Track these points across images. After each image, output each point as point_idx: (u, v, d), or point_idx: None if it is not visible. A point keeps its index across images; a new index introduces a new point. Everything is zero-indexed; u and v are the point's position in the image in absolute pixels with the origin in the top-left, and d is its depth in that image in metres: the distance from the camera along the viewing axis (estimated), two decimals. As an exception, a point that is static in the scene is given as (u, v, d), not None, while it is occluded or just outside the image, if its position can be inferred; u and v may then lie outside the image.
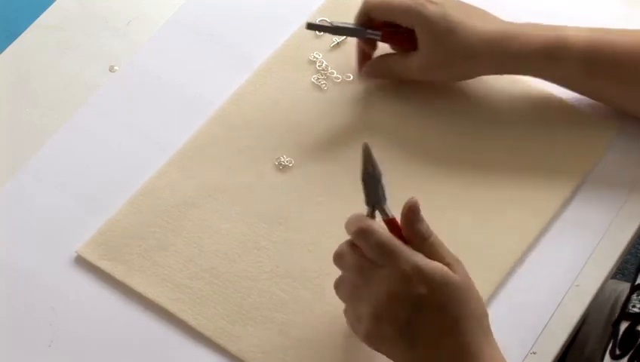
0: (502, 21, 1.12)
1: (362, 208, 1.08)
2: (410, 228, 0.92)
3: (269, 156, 1.12)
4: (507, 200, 1.09)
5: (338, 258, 0.95)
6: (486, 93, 1.17)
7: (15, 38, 1.22)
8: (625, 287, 1.29)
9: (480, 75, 1.14)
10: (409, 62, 1.12)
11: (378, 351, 0.94)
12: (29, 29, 1.23)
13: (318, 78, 1.18)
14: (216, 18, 1.23)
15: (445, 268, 0.90)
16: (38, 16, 1.23)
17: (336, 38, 1.20)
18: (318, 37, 1.20)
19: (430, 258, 0.91)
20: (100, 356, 1.02)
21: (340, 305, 1.03)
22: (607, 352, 1.13)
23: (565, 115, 1.15)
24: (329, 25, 1.11)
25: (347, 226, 0.94)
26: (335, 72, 1.18)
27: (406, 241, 0.92)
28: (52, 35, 1.22)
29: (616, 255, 1.07)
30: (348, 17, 1.18)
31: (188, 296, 1.04)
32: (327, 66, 1.18)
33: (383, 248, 0.91)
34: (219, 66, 1.19)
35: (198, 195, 1.10)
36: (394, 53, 1.15)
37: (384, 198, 0.94)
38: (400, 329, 0.90)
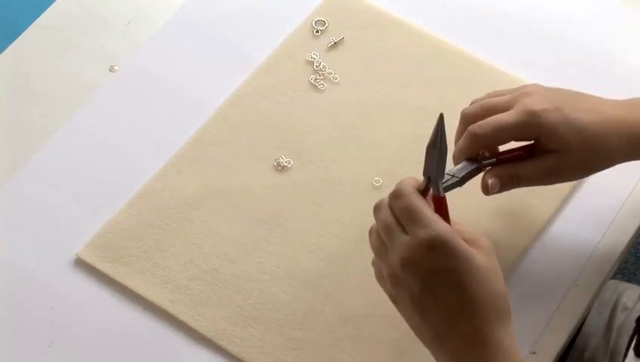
0: (616, 103, 1.04)
1: (361, 209, 1.08)
2: None
3: (267, 157, 1.12)
4: (506, 199, 1.09)
5: (376, 209, 0.93)
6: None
7: (15, 38, 1.22)
8: (625, 287, 1.29)
9: (615, 162, 1.04)
10: (535, 168, 1.02)
11: (399, 312, 0.92)
12: (29, 29, 1.23)
13: (316, 78, 1.17)
14: (216, 18, 1.23)
15: (471, 246, 0.88)
16: (38, 16, 1.23)
17: (334, 38, 1.20)
18: (315, 37, 1.20)
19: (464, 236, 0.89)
20: (99, 356, 1.02)
21: (340, 305, 1.03)
22: (632, 349, 1.12)
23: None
24: (457, 179, 0.99)
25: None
26: (333, 72, 1.18)
27: (449, 222, 0.91)
28: (52, 35, 1.22)
29: (616, 255, 1.07)
30: (345, 17, 1.18)
31: (188, 298, 1.04)
32: (324, 66, 1.18)
33: (409, 213, 0.89)
34: (219, 66, 1.19)
35: (197, 196, 1.09)
36: (513, 163, 1.02)
37: (441, 175, 0.92)
38: (413, 299, 0.89)
